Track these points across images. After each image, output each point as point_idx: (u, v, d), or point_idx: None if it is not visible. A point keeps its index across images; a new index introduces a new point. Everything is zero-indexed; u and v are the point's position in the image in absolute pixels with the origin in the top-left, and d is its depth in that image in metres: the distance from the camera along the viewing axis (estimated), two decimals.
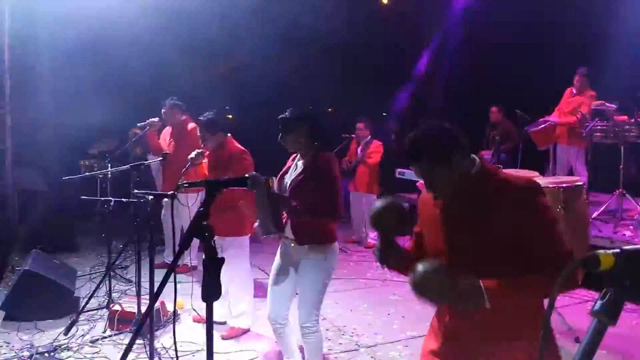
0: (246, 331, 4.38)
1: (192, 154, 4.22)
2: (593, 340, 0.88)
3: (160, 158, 5.60)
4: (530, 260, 1.76)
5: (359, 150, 7.39)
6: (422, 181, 2.00)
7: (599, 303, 0.89)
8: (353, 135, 7.59)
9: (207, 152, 4.33)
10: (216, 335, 4.29)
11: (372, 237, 7.24)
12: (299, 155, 3.34)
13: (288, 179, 3.28)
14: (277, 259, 3.39)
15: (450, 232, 1.92)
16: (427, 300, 1.74)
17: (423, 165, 1.90)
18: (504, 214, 1.80)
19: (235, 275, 4.30)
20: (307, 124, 3.23)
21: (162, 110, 5.92)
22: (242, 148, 4.29)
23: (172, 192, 2.10)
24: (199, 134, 4.32)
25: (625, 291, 0.88)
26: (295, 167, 3.33)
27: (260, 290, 4.72)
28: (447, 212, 1.94)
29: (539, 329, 1.86)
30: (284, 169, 3.39)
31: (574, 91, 6.90)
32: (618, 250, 0.87)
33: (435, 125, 1.92)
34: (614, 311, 0.88)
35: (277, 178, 3.36)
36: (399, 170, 7.41)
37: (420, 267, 1.72)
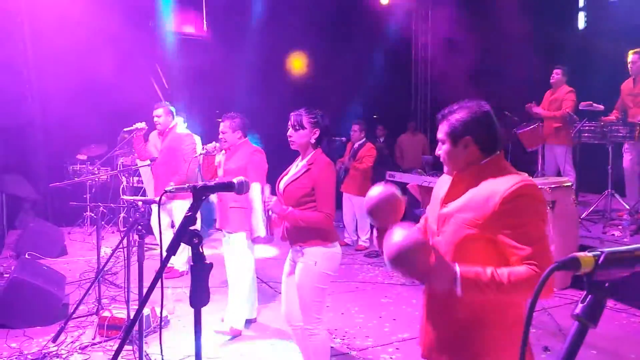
0: (239, 333, 4.40)
1: (208, 145, 4.50)
2: (575, 343, 0.88)
3: (148, 163, 5.61)
4: (509, 260, 1.80)
5: (351, 152, 7.38)
6: (412, 183, 2.05)
7: (580, 306, 0.89)
8: (344, 138, 7.59)
9: (225, 149, 4.50)
10: (210, 333, 4.31)
11: (364, 239, 7.25)
12: (300, 157, 3.35)
13: (286, 180, 3.29)
14: (286, 264, 3.42)
15: (443, 215, 1.98)
16: (400, 274, 1.79)
17: (441, 129, 2.00)
18: (492, 206, 1.82)
19: (238, 274, 4.35)
20: (319, 127, 3.25)
21: (156, 115, 5.86)
22: (257, 147, 4.42)
23: (160, 197, 2.08)
24: (221, 129, 4.43)
25: (606, 293, 0.88)
26: (296, 167, 3.34)
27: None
28: (446, 195, 2.01)
29: (513, 318, 1.89)
30: (285, 171, 3.39)
31: (552, 90, 6.98)
32: (598, 252, 0.88)
33: (475, 107, 1.98)
34: (595, 313, 0.88)
35: (278, 180, 3.37)
36: (389, 172, 7.42)
37: (396, 237, 1.75)
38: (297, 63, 9.56)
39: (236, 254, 4.38)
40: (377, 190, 2.08)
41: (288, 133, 3.27)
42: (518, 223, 1.79)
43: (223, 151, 4.54)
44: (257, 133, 5.16)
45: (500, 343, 1.90)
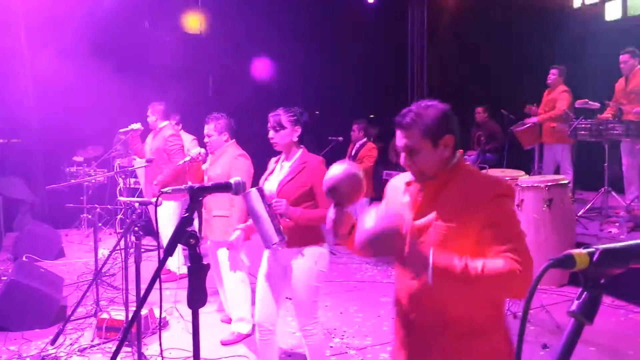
0: (247, 336, 4.36)
1: (192, 151, 4.30)
2: (571, 340, 0.89)
3: (145, 164, 5.59)
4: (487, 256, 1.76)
5: (352, 152, 7.36)
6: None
7: (575, 303, 0.89)
8: (340, 138, 7.58)
9: (210, 152, 4.38)
10: (216, 339, 4.30)
11: None
12: (283, 156, 3.34)
13: (274, 181, 3.26)
14: (265, 263, 3.36)
15: (415, 220, 1.90)
16: (373, 255, 1.76)
17: (411, 135, 1.85)
18: (471, 210, 1.79)
19: (231, 281, 4.30)
20: (300, 125, 3.24)
21: (148, 114, 5.86)
22: (243, 152, 4.33)
23: (156, 198, 2.08)
24: (206, 131, 4.32)
25: (602, 289, 0.89)
26: (280, 168, 3.31)
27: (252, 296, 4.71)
28: (418, 201, 1.93)
29: (497, 328, 1.86)
30: (267, 172, 3.38)
31: (549, 90, 7.00)
32: (593, 249, 0.88)
33: (440, 104, 1.91)
34: (591, 310, 0.89)
35: (262, 181, 3.35)
36: (386, 172, 7.43)
37: (369, 221, 1.71)
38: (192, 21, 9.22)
39: (225, 262, 4.29)
40: (339, 169, 2.00)
41: (269, 135, 3.25)
42: (498, 222, 1.76)
43: (210, 156, 4.42)
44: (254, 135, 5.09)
45: (492, 354, 1.86)
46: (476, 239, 1.78)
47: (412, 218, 1.91)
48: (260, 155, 4.69)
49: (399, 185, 2.06)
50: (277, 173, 3.30)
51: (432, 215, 1.85)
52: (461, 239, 1.79)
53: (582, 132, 6.07)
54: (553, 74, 6.89)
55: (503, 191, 1.82)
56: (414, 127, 1.85)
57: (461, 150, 1.95)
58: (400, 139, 1.89)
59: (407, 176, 2.03)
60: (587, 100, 6.26)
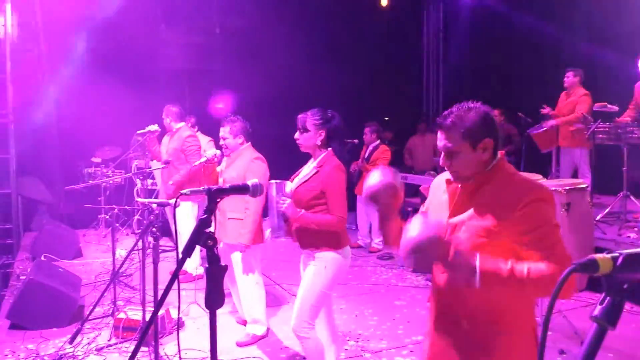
0: (263, 337, 4.37)
1: (208, 152, 4.31)
2: (593, 345, 0.88)
3: (162, 165, 5.63)
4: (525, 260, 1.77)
5: (366, 155, 7.35)
6: (425, 185, 2.03)
7: (598, 308, 0.89)
8: (356, 140, 7.58)
9: (226, 155, 4.37)
10: (231, 340, 4.31)
11: (377, 242, 7.23)
12: (312, 158, 3.35)
13: (296, 182, 3.29)
14: (300, 265, 3.41)
15: (452, 224, 1.92)
16: (416, 266, 1.75)
17: (451, 137, 1.87)
18: (505, 213, 1.80)
19: (245, 283, 4.31)
20: (325, 128, 3.24)
21: (164, 115, 5.92)
22: (259, 155, 4.32)
23: (175, 199, 2.09)
24: (221, 134, 4.31)
25: (625, 294, 0.88)
26: (307, 169, 3.33)
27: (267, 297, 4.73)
28: (455, 199, 1.96)
29: (525, 325, 1.88)
30: (296, 172, 3.39)
31: (567, 92, 6.93)
32: (616, 253, 0.87)
33: (482, 107, 1.93)
34: (614, 315, 0.88)
35: (290, 181, 3.37)
36: (401, 175, 7.39)
37: (413, 231, 1.71)
38: None
39: (238, 264, 4.29)
40: (375, 179, 2.02)
41: (295, 136, 3.28)
42: (535, 226, 1.77)
43: (225, 158, 4.41)
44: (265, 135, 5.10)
45: (516, 350, 1.88)
46: (511, 241, 1.79)
47: (448, 216, 1.94)
48: (276, 158, 4.70)
49: (441, 182, 2.09)
50: (302, 174, 3.32)
51: (466, 214, 1.88)
52: (492, 240, 1.81)
53: (601, 135, 6.00)
54: (568, 77, 6.82)
55: (540, 196, 1.82)
56: (454, 129, 1.87)
57: (502, 152, 1.95)
58: (440, 140, 1.92)
59: (449, 174, 2.05)
60: (605, 103, 6.18)
